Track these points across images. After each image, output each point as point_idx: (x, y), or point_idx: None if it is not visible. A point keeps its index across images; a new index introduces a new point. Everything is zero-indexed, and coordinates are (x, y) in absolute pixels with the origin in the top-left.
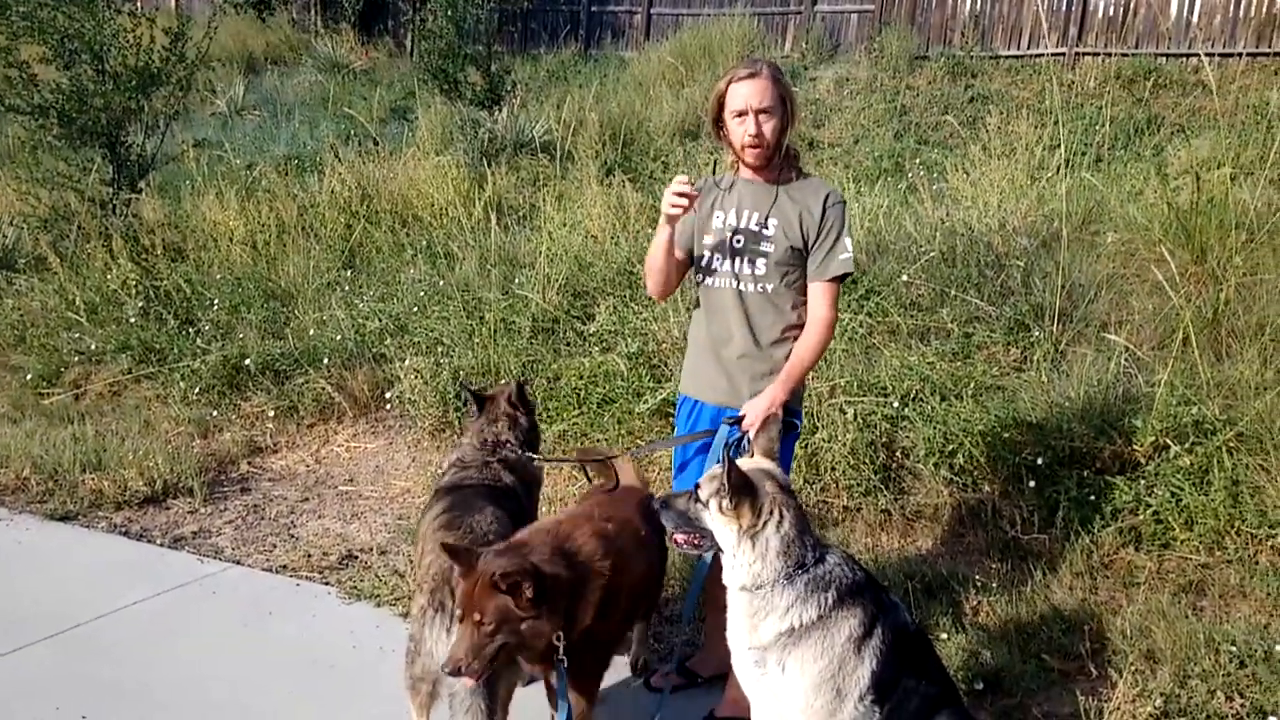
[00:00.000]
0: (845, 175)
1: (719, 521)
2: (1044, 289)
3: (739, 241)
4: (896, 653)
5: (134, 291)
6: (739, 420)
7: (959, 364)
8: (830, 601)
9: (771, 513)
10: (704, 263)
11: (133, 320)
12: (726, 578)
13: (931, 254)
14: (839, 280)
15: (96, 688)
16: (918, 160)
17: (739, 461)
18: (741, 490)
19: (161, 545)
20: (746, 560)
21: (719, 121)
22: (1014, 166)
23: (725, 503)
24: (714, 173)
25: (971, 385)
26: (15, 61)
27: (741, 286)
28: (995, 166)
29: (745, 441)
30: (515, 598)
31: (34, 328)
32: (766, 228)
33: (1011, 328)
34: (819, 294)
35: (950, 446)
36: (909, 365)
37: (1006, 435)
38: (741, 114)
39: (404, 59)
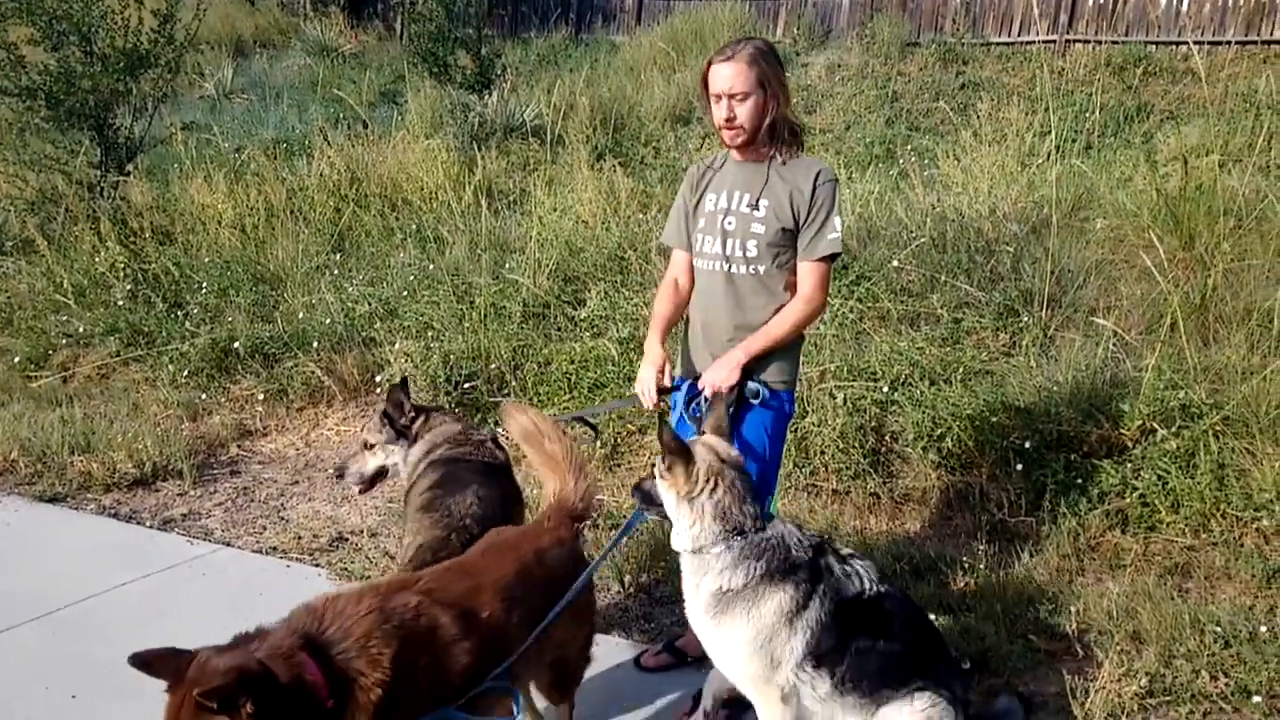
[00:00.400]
0: (837, 161)
1: (662, 486)
2: (1033, 275)
3: (730, 223)
4: (840, 622)
5: (122, 274)
6: (695, 380)
7: (948, 349)
8: (759, 572)
9: (708, 480)
10: (698, 246)
11: (121, 303)
12: (673, 540)
13: (922, 240)
14: (828, 260)
15: (86, 667)
16: (909, 146)
17: (692, 439)
18: (675, 453)
19: (151, 527)
20: (685, 524)
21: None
22: (1004, 153)
23: (660, 465)
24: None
25: (960, 370)
26: (3, 43)
27: (733, 269)
28: (986, 153)
29: (704, 401)
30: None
31: (21, 310)
32: (758, 209)
33: (1001, 313)
34: (806, 273)
35: (939, 431)
36: (899, 350)
37: (995, 419)
38: (718, 97)
39: (393, 42)
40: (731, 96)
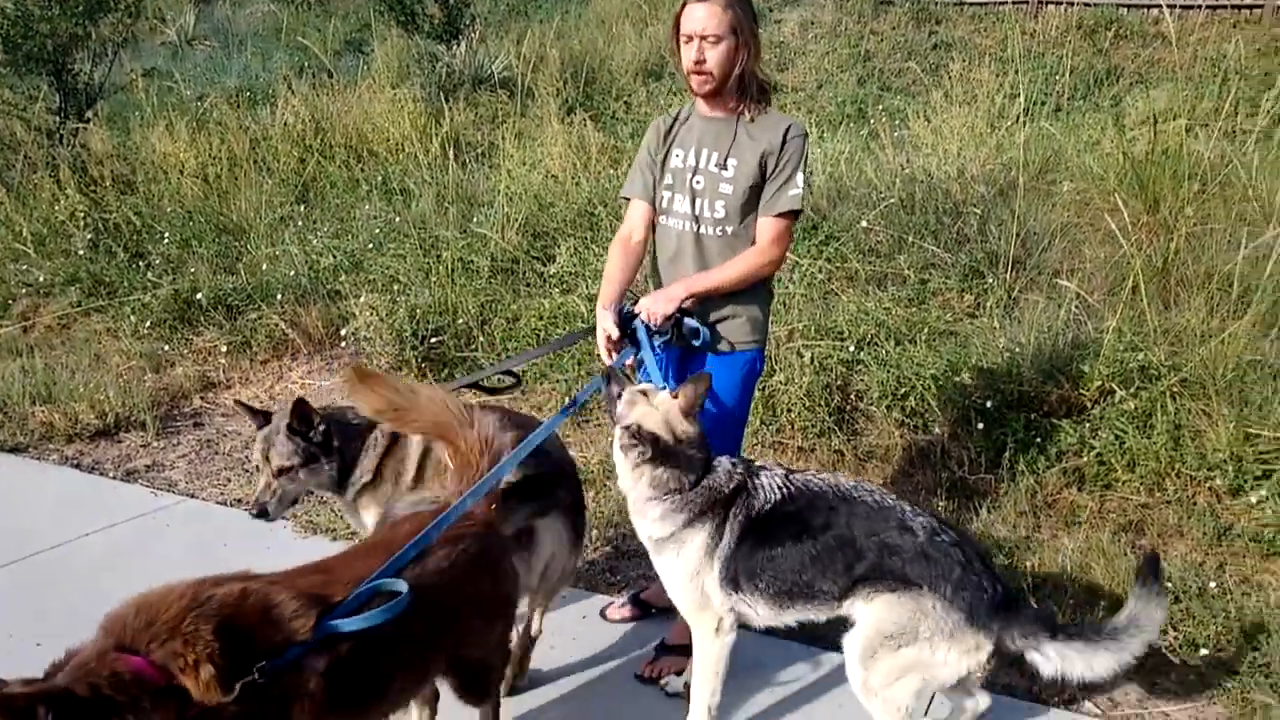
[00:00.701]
0: (808, 120)
1: (616, 448)
2: (999, 237)
3: (699, 183)
4: (747, 542)
5: (82, 223)
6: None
7: (914, 310)
8: (682, 521)
9: (653, 461)
10: (663, 203)
11: (81, 252)
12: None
13: (891, 201)
14: (788, 216)
15: (50, 616)
16: (880, 106)
17: (651, 401)
18: (635, 440)
19: (114, 478)
20: (628, 481)
21: (676, 46)
22: (975, 114)
23: (620, 437)
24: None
25: (925, 330)
26: None
27: (701, 230)
28: (956, 114)
29: (642, 327)
30: None
31: None
32: (725, 168)
33: (966, 274)
34: (765, 228)
35: (903, 390)
36: (865, 310)
37: (957, 379)
38: (689, 38)
39: None
40: (704, 38)
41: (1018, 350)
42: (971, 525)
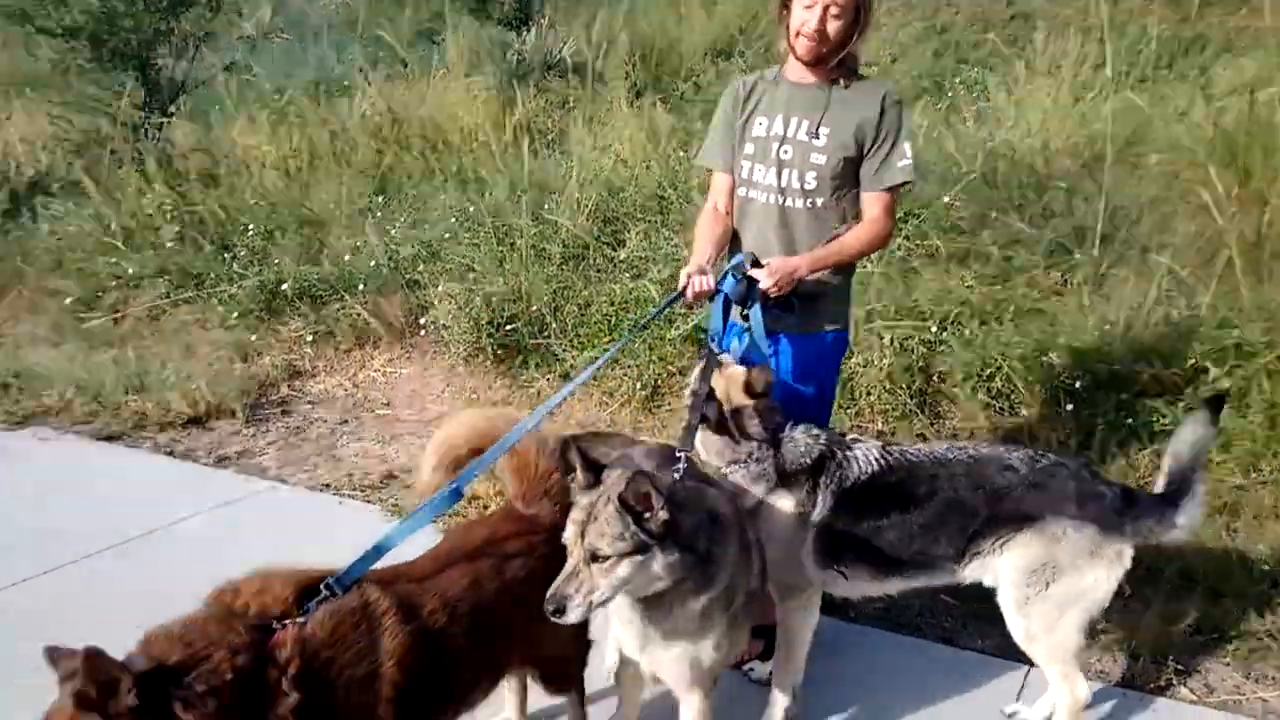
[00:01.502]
0: None
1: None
2: (1086, 211)
3: (786, 152)
4: (845, 513)
5: (169, 216)
6: (747, 278)
7: (998, 288)
8: (763, 490)
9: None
10: (743, 173)
11: (169, 245)
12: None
13: (973, 176)
14: (896, 190)
15: (150, 600)
16: (958, 79)
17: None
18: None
19: (206, 465)
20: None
21: (787, 2)
22: (1058, 86)
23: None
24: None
25: (1011, 309)
26: None
27: (788, 201)
28: (1039, 85)
29: (753, 297)
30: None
31: (71, 252)
32: (818, 137)
33: (1052, 251)
34: (873, 203)
35: (988, 371)
36: (948, 289)
37: (1045, 359)
38: (812, 4)
39: None
40: (828, 7)
41: (1107, 328)
42: None
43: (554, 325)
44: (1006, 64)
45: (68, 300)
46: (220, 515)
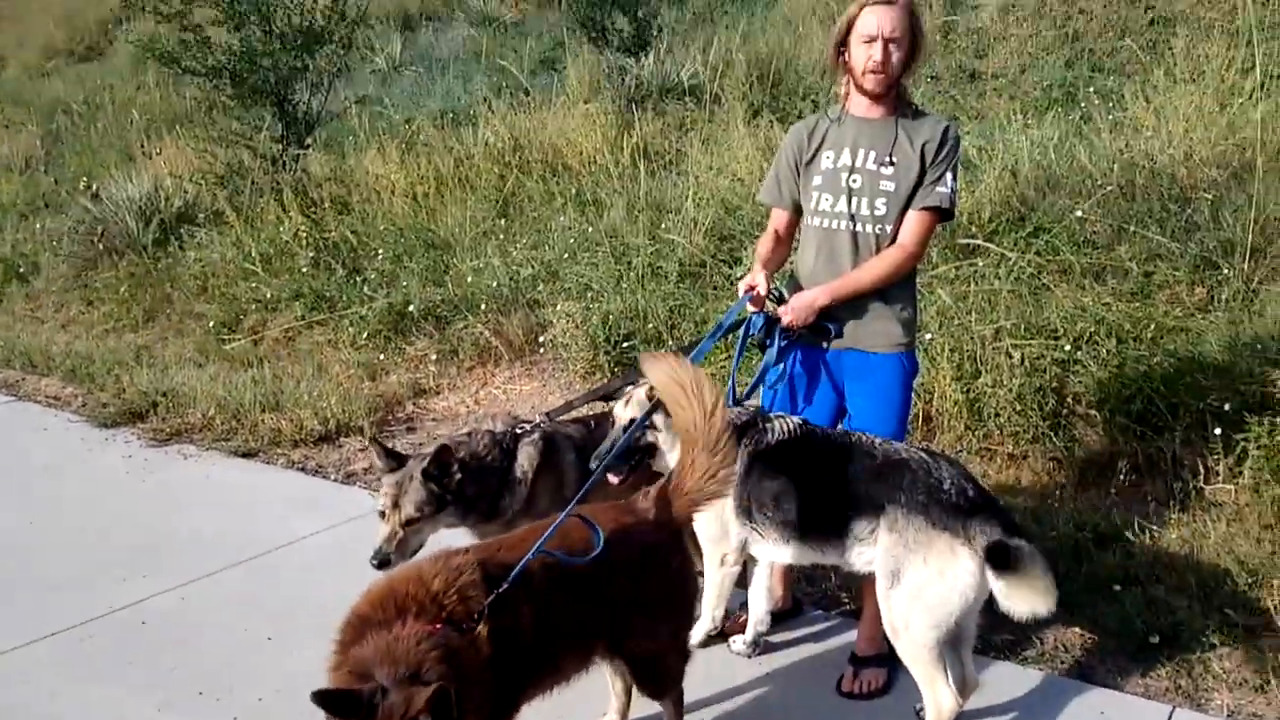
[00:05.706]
0: (1011, 107)
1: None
2: (1234, 223)
3: (855, 181)
4: (755, 472)
5: (304, 243)
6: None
7: (1137, 305)
8: None
9: None
10: (812, 203)
11: (304, 270)
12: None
13: (1108, 188)
14: (934, 213)
15: (280, 611)
16: (1091, 89)
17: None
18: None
19: (335, 481)
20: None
21: (842, 47)
22: (1201, 92)
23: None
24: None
25: (1152, 327)
26: (190, 25)
27: (859, 227)
28: (1180, 92)
29: (777, 332)
30: None
31: (215, 278)
32: (887, 166)
33: (1197, 265)
34: (910, 222)
35: (1127, 392)
36: (1082, 306)
37: (1189, 379)
38: (871, 39)
39: (553, 9)
40: (889, 41)
41: (1259, 347)
42: (1208, 540)
43: (670, 342)
44: (1144, 71)
45: (211, 323)
46: (346, 531)
